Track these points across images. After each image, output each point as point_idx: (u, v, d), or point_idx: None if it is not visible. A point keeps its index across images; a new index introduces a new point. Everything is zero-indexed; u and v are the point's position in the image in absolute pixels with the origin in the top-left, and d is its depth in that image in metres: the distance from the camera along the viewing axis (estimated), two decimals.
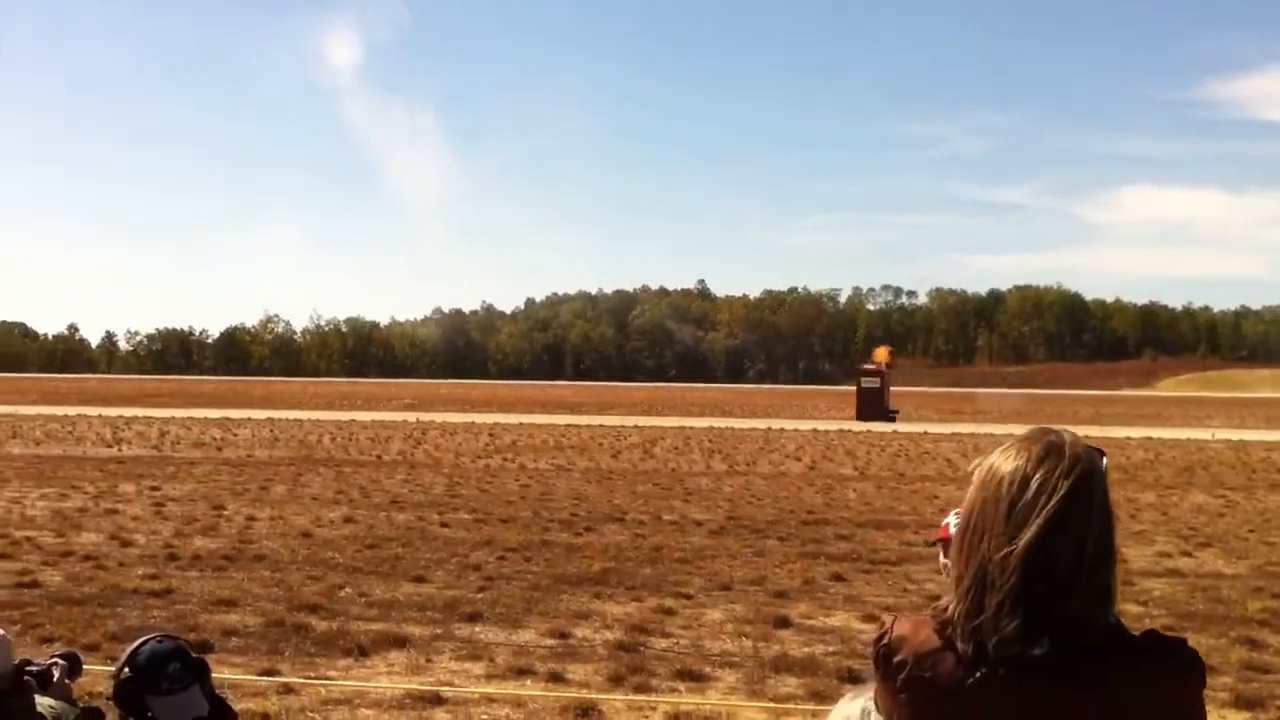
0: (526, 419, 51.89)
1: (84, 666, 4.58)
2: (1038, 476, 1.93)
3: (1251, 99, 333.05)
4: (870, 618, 10.93)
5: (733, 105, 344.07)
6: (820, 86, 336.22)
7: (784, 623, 10.64)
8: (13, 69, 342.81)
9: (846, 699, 2.29)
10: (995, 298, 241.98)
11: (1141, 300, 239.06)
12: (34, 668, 4.33)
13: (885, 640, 2.01)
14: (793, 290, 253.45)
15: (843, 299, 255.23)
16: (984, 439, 37.72)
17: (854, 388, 62.85)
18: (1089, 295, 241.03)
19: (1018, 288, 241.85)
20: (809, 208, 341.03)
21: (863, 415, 55.24)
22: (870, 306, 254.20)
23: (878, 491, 22.73)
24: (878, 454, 33.24)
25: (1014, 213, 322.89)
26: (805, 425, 50.41)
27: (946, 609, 2.03)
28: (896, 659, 1.98)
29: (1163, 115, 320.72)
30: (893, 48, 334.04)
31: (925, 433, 44.39)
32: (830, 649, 9.70)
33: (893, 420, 54.24)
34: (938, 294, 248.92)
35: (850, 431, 45.62)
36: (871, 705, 2.20)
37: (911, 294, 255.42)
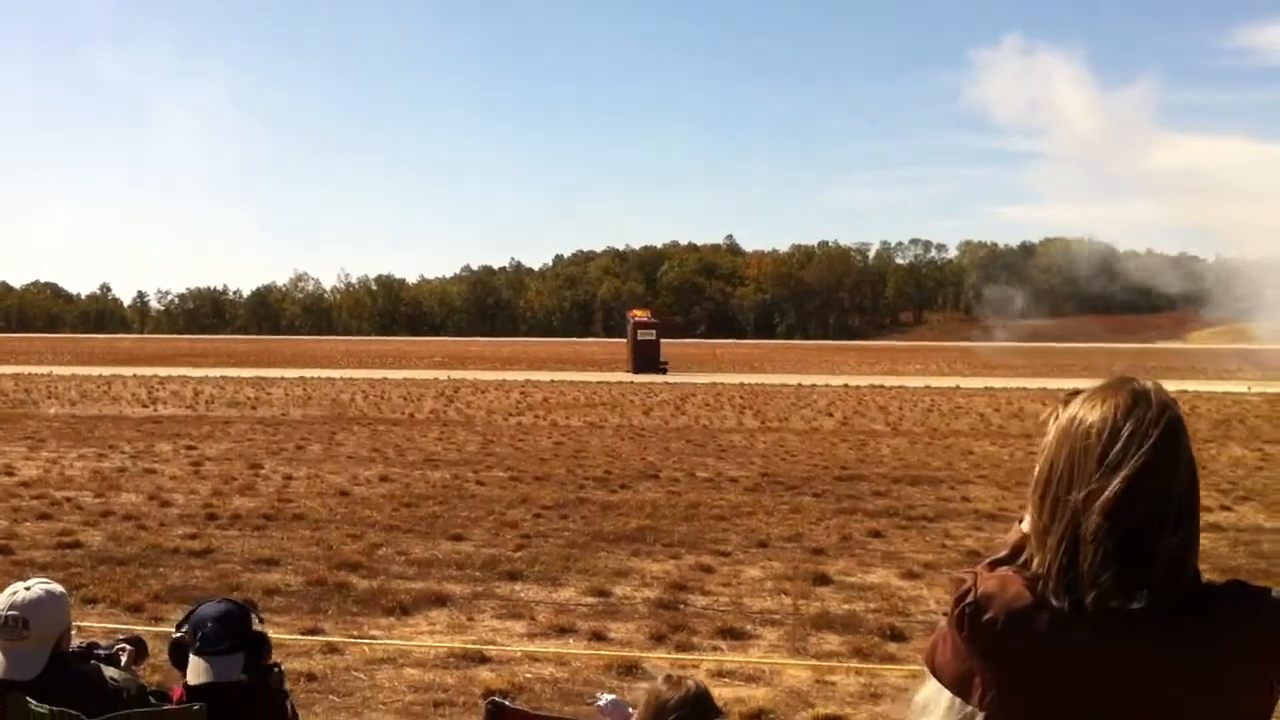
0: (558, 376, 51.93)
1: (147, 646, 4.61)
2: (1128, 425, 1.88)
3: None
4: (910, 574, 10.90)
5: (758, 62, 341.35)
6: (844, 41, 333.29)
7: (823, 580, 10.62)
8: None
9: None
10: (1026, 250, 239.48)
11: (1173, 251, 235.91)
12: (101, 651, 4.36)
13: (970, 598, 1.95)
14: (822, 245, 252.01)
15: (871, 254, 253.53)
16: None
17: (882, 342, 63.10)
18: (1121, 247, 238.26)
19: (1048, 240, 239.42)
20: (836, 164, 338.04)
21: (638, 368, 56.18)
22: (899, 260, 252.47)
23: (911, 447, 22.66)
24: (910, 409, 33.13)
25: (1043, 164, 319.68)
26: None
27: (1028, 564, 1.98)
28: (986, 617, 1.92)
29: (1188, 63, 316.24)
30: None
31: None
32: (871, 606, 9.68)
33: (664, 372, 55.41)
34: (968, 247, 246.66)
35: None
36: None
37: (941, 247, 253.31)
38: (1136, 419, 1.89)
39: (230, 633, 4.04)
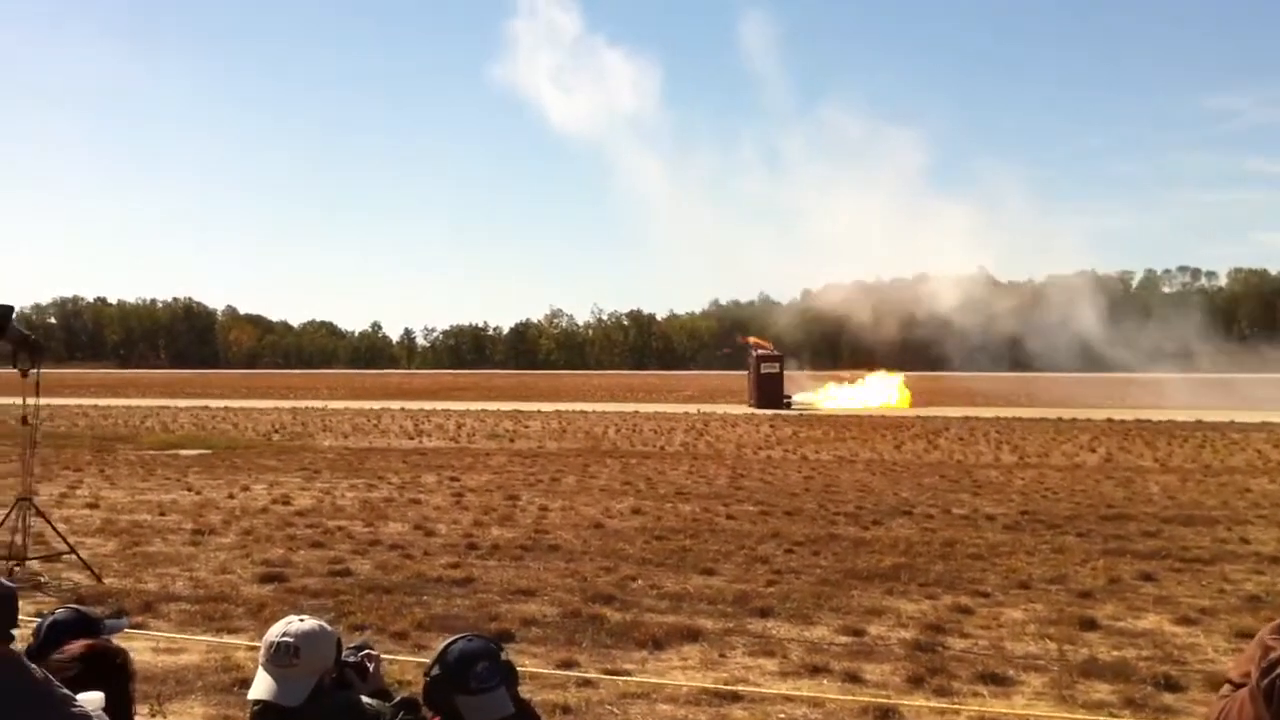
0: (805, 411, 51.57)
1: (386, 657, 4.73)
2: None
3: None
4: (1185, 620, 10.27)
5: (996, 85, 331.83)
6: (1098, 60, 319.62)
7: (1090, 624, 10.12)
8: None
9: None
10: None
11: None
12: (351, 659, 4.50)
13: None
14: (1080, 275, 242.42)
15: (1135, 282, 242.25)
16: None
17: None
18: None
19: None
20: (1092, 188, 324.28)
21: (761, 403, 53.88)
22: (1165, 289, 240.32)
23: (1183, 484, 21.45)
24: (1179, 445, 31.42)
25: None
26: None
27: None
28: None
29: None
30: (1178, 17, 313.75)
31: (1200, 421, 41.59)
32: (1143, 654, 9.15)
33: (789, 407, 53.76)
34: (1239, 275, 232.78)
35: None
36: None
37: (1211, 275, 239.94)
38: None
39: (496, 669, 4.13)
